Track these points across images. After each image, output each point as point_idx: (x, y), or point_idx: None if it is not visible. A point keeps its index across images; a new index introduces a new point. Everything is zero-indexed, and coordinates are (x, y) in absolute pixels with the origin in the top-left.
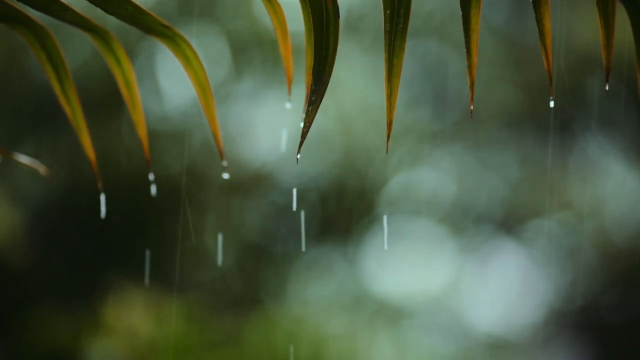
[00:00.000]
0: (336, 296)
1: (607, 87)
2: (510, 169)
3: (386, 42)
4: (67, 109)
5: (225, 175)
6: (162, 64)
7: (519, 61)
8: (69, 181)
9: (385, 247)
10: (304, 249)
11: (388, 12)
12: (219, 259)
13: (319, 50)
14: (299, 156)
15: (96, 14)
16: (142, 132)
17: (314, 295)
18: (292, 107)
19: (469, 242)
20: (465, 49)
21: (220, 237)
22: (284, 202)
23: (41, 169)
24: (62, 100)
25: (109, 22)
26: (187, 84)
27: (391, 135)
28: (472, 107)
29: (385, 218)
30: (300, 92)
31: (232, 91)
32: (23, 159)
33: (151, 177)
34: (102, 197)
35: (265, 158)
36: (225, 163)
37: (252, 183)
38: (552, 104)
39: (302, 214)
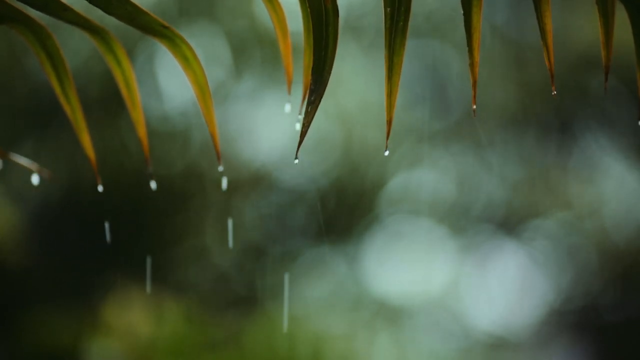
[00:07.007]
0: (336, 296)
1: (606, 86)
2: (510, 169)
3: (386, 40)
4: (67, 109)
5: (224, 184)
6: (162, 64)
7: (519, 61)
8: (69, 181)
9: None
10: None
11: (388, 9)
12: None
13: (318, 50)
14: (297, 158)
15: (96, 14)
16: (142, 132)
17: (314, 295)
18: (292, 107)
19: (469, 242)
20: (467, 48)
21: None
22: (284, 202)
23: (39, 170)
24: (62, 100)
25: (109, 21)
26: (187, 84)
27: (391, 134)
28: (474, 106)
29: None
30: (300, 92)
31: (232, 91)
32: (21, 160)
33: (152, 184)
34: (100, 187)
35: (265, 158)
36: (221, 168)
37: (252, 183)
38: (554, 98)
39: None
